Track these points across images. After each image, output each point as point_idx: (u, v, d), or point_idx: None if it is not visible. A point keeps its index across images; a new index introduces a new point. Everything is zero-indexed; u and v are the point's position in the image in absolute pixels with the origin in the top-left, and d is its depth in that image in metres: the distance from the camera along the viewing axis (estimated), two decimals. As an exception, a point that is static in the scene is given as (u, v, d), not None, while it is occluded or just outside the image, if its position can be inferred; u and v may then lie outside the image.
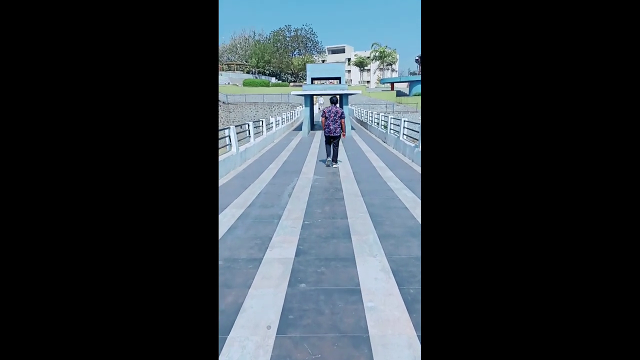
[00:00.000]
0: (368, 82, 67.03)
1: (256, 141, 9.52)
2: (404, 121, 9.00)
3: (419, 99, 33.12)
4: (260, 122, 11.01)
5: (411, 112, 30.66)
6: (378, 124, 13.64)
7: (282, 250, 2.97)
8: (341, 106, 15.06)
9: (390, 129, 10.57)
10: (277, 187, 5.40)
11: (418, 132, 7.82)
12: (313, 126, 17.19)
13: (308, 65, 17.37)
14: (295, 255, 2.85)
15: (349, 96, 16.17)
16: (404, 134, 8.96)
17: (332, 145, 6.97)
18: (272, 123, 12.60)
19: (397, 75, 54.79)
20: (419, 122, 8.57)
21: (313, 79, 16.75)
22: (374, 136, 13.35)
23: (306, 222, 3.71)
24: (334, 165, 6.96)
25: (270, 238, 3.25)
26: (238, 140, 7.93)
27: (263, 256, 2.84)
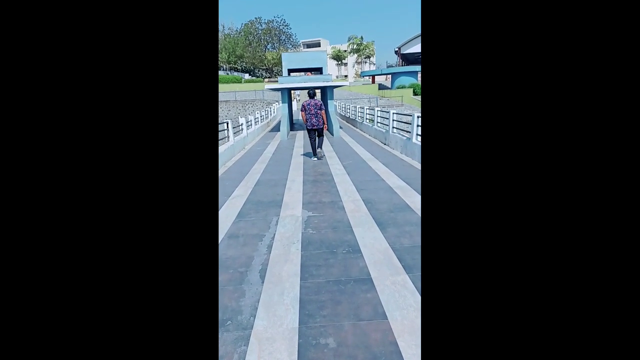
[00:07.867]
0: (346, 76, 64.86)
1: (220, 151, 7.00)
2: (417, 117, 6.72)
3: (403, 92, 31.07)
4: (226, 125, 8.42)
5: (396, 105, 28.60)
6: (372, 121, 11.28)
7: None
8: (326, 101, 12.68)
9: (394, 127, 8.28)
10: (240, 246, 2.99)
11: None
12: (293, 126, 14.61)
13: (284, 55, 14.56)
14: None
15: (334, 89, 13.76)
16: (417, 134, 6.69)
17: (316, 137, 6.87)
18: (242, 124, 10.02)
19: (375, 68, 52.57)
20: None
21: (290, 71, 14.16)
22: (368, 136, 10.92)
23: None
24: (320, 156, 6.91)
25: None
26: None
27: None
